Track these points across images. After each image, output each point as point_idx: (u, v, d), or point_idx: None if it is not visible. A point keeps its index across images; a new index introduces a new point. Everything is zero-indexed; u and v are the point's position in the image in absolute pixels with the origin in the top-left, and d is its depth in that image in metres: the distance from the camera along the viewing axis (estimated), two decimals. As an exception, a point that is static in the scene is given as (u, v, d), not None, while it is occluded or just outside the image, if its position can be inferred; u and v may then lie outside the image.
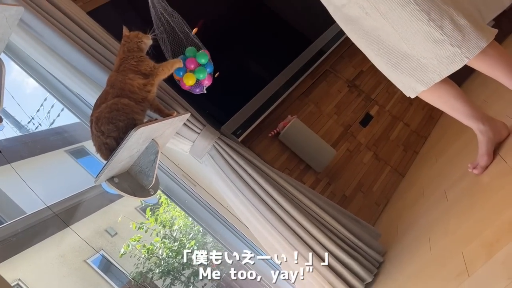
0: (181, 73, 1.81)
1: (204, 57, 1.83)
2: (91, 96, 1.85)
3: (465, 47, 1.30)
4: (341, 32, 2.93)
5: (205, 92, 1.90)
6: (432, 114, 3.13)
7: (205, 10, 2.70)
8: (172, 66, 1.70)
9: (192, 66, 1.81)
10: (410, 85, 1.47)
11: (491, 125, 1.49)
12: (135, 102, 1.52)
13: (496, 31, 1.35)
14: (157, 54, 1.79)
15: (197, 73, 1.82)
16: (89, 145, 11.12)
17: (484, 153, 1.50)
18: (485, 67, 1.38)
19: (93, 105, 1.56)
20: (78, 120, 2.52)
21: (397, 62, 1.45)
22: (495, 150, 1.51)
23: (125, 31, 1.70)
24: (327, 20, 3.10)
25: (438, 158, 2.38)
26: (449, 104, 1.51)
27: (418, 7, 1.29)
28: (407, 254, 1.76)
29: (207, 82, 1.87)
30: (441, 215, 1.70)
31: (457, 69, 1.35)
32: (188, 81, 1.80)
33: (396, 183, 2.74)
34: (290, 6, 3.18)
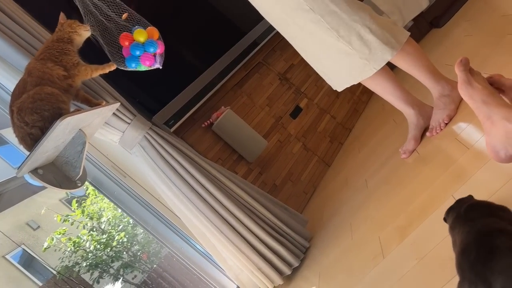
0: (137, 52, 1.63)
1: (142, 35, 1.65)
2: (9, 82, 1.74)
3: (372, 60, 1.44)
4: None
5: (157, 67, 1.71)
6: (356, 108, 3.31)
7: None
8: (98, 70, 1.58)
9: (127, 43, 1.64)
10: (331, 82, 1.62)
11: (420, 110, 1.62)
12: (59, 90, 1.45)
13: (405, 38, 1.47)
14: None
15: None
16: (7, 133, 10.33)
17: (412, 137, 1.63)
18: (404, 64, 1.51)
19: (11, 90, 1.47)
20: (-6, 107, 2.33)
21: (319, 63, 1.59)
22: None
23: (61, 18, 1.58)
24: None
25: (360, 149, 2.53)
26: (383, 88, 1.62)
27: (328, 25, 1.41)
28: (331, 239, 1.86)
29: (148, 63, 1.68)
30: (362, 202, 1.82)
31: (368, 76, 1.49)
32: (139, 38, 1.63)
33: (323, 172, 2.88)
34: (224, -3, 3.18)
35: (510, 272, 0.55)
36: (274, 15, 1.54)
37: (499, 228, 0.66)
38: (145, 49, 1.63)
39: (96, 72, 1.58)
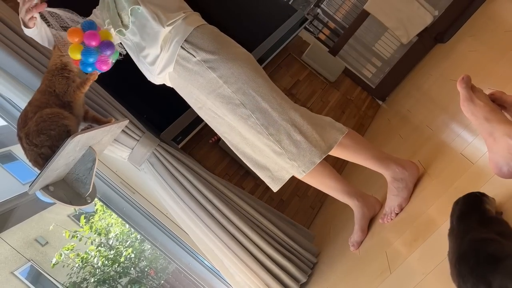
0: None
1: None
2: (22, 101, 1.78)
3: (301, 161, 1.39)
4: (279, 43, 3.05)
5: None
6: (362, 122, 3.32)
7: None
8: (83, 85, 1.46)
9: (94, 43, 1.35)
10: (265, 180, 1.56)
11: (364, 200, 1.59)
12: (59, 106, 1.46)
13: (335, 143, 1.41)
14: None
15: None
16: (17, 150, 10.45)
17: (359, 228, 1.59)
18: (345, 156, 1.48)
19: (22, 108, 1.50)
20: (5, 123, 2.37)
21: (252, 161, 1.54)
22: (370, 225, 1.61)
23: (56, 40, 1.47)
24: (266, 30, 3.18)
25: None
26: (324, 184, 1.55)
27: (258, 121, 1.38)
28: (338, 255, 1.84)
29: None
30: (368, 217, 1.81)
31: (300, 178, 1.46)
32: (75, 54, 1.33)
33: (330, 187, 2.87)
34: (231, 14, 3.23)
35: (507, 271, 0.62)
36: (205, 110, 1.52)
37: (488, 237, 0.73)
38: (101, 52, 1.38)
39: (83, 87, 1.48)
